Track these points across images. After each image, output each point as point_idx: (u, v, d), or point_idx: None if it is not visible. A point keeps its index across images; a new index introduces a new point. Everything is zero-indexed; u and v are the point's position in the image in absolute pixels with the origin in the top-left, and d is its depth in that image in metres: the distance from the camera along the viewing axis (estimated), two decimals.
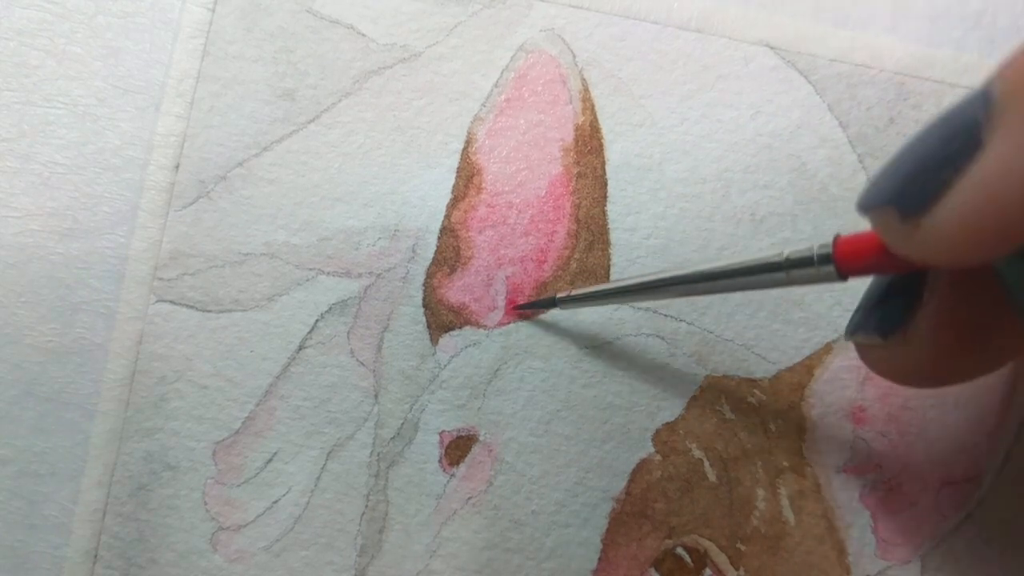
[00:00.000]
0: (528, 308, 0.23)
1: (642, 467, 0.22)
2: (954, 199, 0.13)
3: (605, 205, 0.23)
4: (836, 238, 0.16)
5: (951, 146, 0.13)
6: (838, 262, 0.16)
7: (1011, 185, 0.12)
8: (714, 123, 0.23)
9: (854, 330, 0.18)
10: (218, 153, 0.23)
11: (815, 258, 0.16)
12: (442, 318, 0.23)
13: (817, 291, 0.23)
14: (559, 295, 0.22)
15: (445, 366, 0.23)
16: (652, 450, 0.22)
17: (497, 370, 0.23)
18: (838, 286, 0.23)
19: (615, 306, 0.23)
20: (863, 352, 0.19)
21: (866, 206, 0.15)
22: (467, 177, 0.23)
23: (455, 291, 0.23)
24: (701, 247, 0.23)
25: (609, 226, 0.23)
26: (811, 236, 0.23)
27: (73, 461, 0.23)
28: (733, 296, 0.23)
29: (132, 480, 0.23)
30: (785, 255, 0.16)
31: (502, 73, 0.23)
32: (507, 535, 0.22)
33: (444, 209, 0.23)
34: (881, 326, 0.17)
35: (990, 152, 0.12)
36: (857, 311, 0.19)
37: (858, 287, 0.23)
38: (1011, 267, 0.14)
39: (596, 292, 0.21)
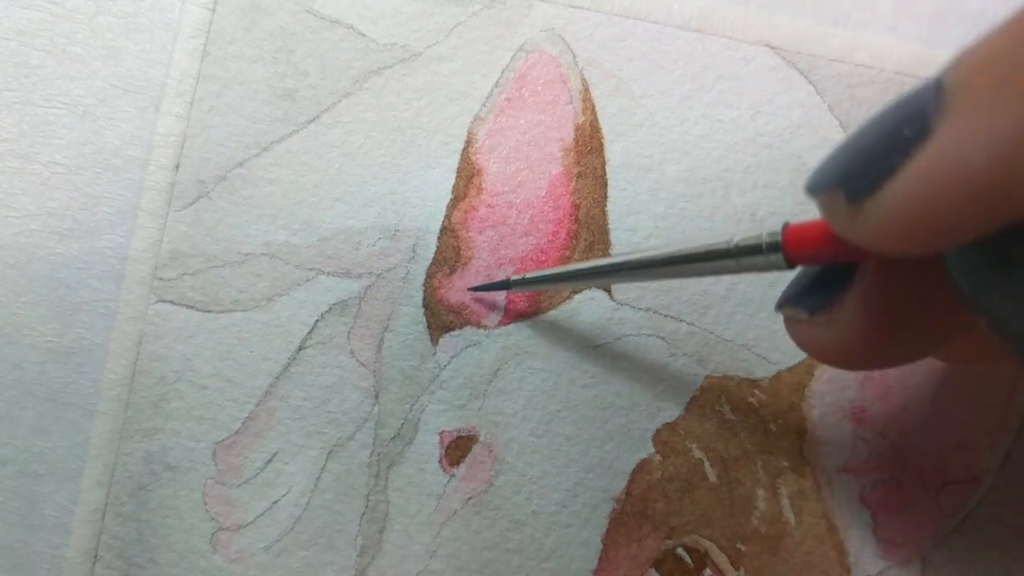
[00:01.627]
0: (482, 290, 0.22)
1: (642, 467, 0.22)
2: (899, 185, 0.12)
3: (605, 205, 0.23)
4: (785, 226, 0.16)
5: (901, 132, 0.13)
6: (786, 250, 0.16)
7: (953, 175, 0.12)
8: (714, 123, 0.23)
9: (783, 303, 0.18)
10: (218, 153, 0.23)
11: (764, 246, 0.16)
12: (442, 318, 0.23)
13: None
14: (512, 277, 0.22)
15: (445, 366, 0.23)
16: (652, 450, 0.22)
17: (497, 370, 0.23)
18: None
19: (616, 306, 0.23)
20: (789, 326, 0.18)
21: (814, 188, 0.15)
22: (467, 177, 0.23)
23: (455, 291, 0.23)
24: None
25: (609, 226, 0.23)
26: None
27: (73, 461, 0.23)
28: (733, 296, 0.23)
29: (132, 480, 0.22)
30: (734, 242, 0.16)
31: (502, 73, 0.23)
32: (507, 535, 0.22)
33: (444, 209, 0.23)
34: (810, 302, 0.17)
35: (936, 141, 0.12)
36: (790, 285, 0.18)
37: None
38: (955, 259, 0.14)
39: (549, 275, 0.21)
